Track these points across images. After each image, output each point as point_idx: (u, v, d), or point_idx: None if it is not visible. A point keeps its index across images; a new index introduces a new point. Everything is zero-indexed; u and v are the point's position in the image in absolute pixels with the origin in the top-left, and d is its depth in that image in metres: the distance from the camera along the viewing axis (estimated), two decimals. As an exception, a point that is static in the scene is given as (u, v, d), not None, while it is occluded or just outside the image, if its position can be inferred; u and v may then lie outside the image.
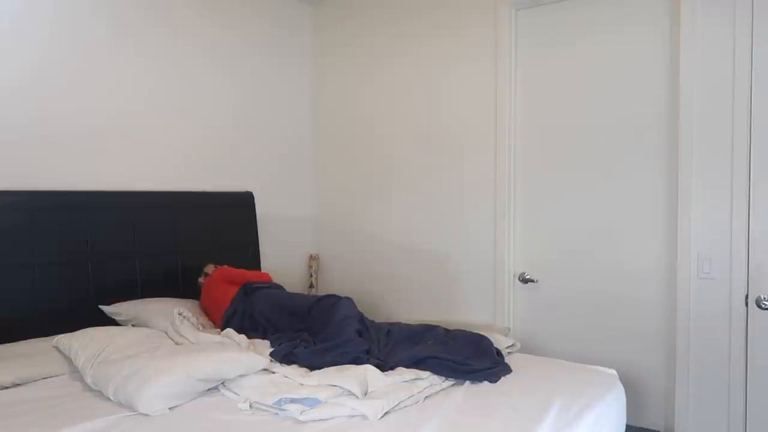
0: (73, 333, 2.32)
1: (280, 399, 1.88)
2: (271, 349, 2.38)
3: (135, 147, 2.95)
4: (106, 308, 2.68)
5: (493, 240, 3.13)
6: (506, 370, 2.30)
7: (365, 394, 1.95)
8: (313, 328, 2.58)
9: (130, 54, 2.92)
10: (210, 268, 3.03)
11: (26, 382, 2.10)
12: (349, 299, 2.66)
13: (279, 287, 2.96)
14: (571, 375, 2.31)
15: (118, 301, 2.75)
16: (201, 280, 3.00)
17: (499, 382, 2.20)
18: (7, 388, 2.05)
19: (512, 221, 3.08)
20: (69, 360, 2.24)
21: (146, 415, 1.84)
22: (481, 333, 2.59)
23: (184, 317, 2.62)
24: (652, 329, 2.69)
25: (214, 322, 2.80)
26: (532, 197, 3.03)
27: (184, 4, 3.15)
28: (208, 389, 2.05)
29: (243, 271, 2.95)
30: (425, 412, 1.90)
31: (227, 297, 2.79)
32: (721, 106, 2.44)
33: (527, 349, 3.02)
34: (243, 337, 2.49)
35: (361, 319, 2.64)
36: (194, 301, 2.95)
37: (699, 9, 2.46)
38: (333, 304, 2.62)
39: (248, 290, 2.83)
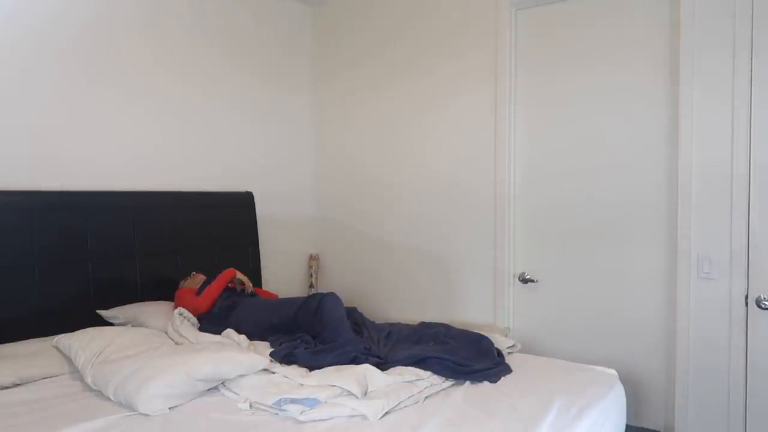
0: (73, 333, 2.32)
1: (280, 399, 1.88)
2: (271, 350, 2.38)
3: (134, 147, 2.95)
4: (103, 312, 2.67)
5: (493, 240, 3.13)
6: (506, 370, 2.30)
7: (365, 394, 1.95)
8: (309, 333, 2.56)
9: (129, 55, 2.93)
10: (194, 280, 2.95)
11: (26, 382, 2.10)
12: (333, 295, 2.60)
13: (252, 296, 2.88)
14: (571, 375, 2.31)
15: (118, 301, 2.75)
16: (182, 283, 2.96)
17: (499, 382, 2.21)
18: (7, 388, 2.05)
19: (512, 221, 3.08)
20: (69, 360, 2.24)
21: (146, 414, 1.84)
22: (482, 333, 2.59)
23: (184, 317, 2.62)
24: (652, 329, 2.68)
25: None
26: (532, 197, 3.03)
27: (179, 12, 3.16)
28: (208, 389, 2.05)
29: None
30: (425, 412, 1.90)
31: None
32: (721, 106, 2.44)
33: (527, 349, 3.01)
34: (243, 337, 2.49)
35: (351, 314, 2.62)
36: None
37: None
38: (318, 304, 2.56)
39: (230, 306, 2.76)
